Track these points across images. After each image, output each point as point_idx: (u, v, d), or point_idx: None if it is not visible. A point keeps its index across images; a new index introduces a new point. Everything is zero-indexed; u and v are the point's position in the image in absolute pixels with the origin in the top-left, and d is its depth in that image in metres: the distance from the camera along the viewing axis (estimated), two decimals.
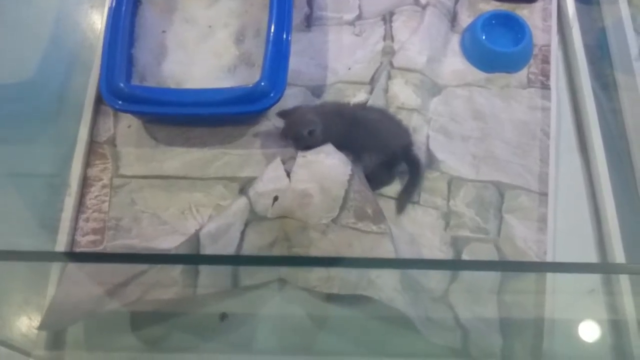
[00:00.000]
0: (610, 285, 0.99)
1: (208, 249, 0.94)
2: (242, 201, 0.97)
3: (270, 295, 0.97)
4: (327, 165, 0.98)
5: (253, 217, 0.96)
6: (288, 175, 0.97)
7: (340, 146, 1.01)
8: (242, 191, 1.01)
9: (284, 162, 1.01)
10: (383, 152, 1.03)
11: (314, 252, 0.94)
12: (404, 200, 1.04)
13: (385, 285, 0.90)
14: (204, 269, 0.93)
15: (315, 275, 0.94)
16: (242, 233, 0.95)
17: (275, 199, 0.96)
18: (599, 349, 0.94)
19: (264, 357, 0.95)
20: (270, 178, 0.98)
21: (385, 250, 0.93)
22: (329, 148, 1.00)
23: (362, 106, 1.10)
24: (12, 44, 1.20)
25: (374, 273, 0.91)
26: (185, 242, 0.94)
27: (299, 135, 1.00)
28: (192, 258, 0.97)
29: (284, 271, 0.97)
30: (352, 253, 0.93)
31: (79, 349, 0.96)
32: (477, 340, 0.92)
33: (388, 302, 0.89)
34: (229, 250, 0.94)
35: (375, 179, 1.04)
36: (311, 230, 0.94)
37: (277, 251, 0.96)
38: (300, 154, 0.99)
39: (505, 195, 1.05)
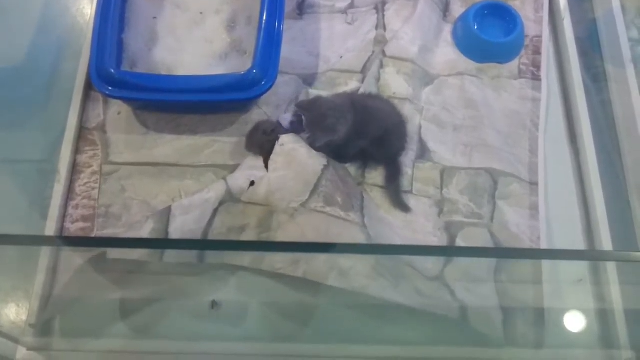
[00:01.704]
0: (598, 275, 1.00)
1: (178, 219, 0.95)
2: (220, 183, 0.99)
3: (261, 282, 0.97)
4: (304, 154, 0.99)
5: (229, 198, 0.97)
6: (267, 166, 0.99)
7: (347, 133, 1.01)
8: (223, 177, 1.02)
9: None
10: (380, 142, 1.04)
11: (281, 235, 0.94)
12: (394, 196, 1.04)
13: (359, 274, 0.91)
14: (173, 236, 0.94)
15: (280, 258, 0.93)
16: (215, 211, 0.96)
17: (252, 183, 0.97)
18: (588, 335, 0.96)
19: (255, 344, 0.95)
20: (250, 165, 1.00)
21: (354, 239, 0.94)
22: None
23: (371, 95, 1.10)
24: (0, 29, 1.18)
25: (347, 264, 0.91)
26: (158, 212, 0.97)
27: (317, 140, 0.99)
28: (177, 243, 0.99)
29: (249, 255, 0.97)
30: (318, 237, 0.94)
31: (68, 337, 0.95)
32: (477, 313, 0.93)
33: (361, 290, 0.90)
34: (200, 224, 0.95)
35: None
36: (281, 214, 0.95)
37: (246, 237, 0.96)
38: (279, 142, 0.99)
39: (499, 181, 1.06)
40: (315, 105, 0.99)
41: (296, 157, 0.98)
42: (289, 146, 0.99)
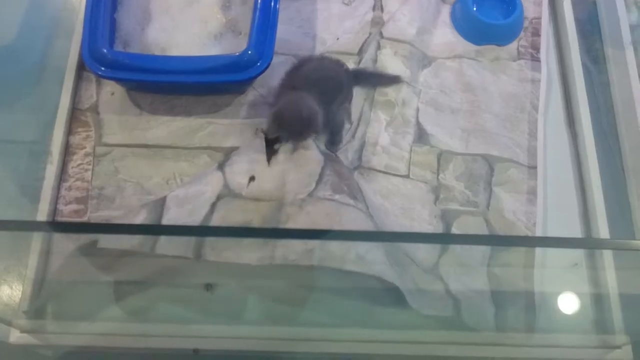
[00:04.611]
0: (594, 259, 1.00)
1: (172, 211, 0.93)
2: (216, 174, 0.97)
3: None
4: (305, 146, 0.98)
5: (227, 192, 0.95)
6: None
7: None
8: (220, 165, 1.00)
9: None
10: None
11: (291, 226, 0.93)
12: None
13: (376, 260, 0.90)
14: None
15: (293, 250, 0.92)
16: (213, 205, 0.94)
17: (252, 178, 0.96)
18: (583, 320, 0.96)
19: (249, 327, 0.94)
20: (249, 159, 0.98)
21: (365, 226, 0.93)
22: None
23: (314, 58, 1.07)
24: None
25: (362, 248, 0.90)
26: (152, 202, 0.95)
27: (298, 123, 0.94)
28: (176, 229, 0.96)
29: (258, 251, 0.94)
30: (329, 224, 0.92)
31: (61, 319, 0.95)
32: (469, 308, 0.93)
33: (381, 275, 0.89)
34: (196, 217, 0.93)
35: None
36: (288, 206, 0.93)
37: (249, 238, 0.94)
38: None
39: (495, 168, 1.05)
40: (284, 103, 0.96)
41: (298, 149, 0.98)
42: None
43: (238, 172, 0.97)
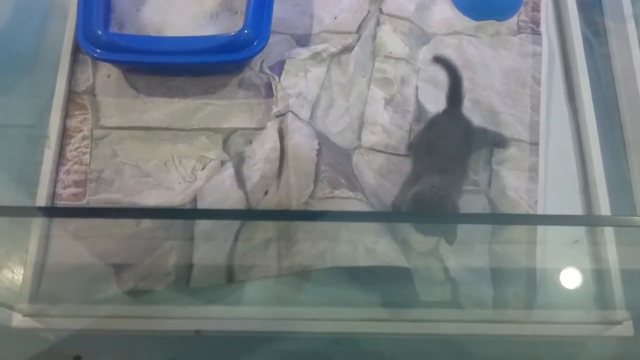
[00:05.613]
0: (595, 235, 1.00)
1: (202, 247, 0.94)
2: (238, 195, 0.97)
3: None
4: (295, 144, 0.97)
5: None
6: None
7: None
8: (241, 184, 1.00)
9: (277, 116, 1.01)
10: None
11: (301, 235, 0.93)
12: None
13: (386, 249, 0.91)
14: (198, 264, 0.93)
15: (307, 255, 0.92)
16: (238, 232, 0.95)
17: (265, 193, 0.97)
18: (583, 296, 0.96)
19: (250, 308, 0.95)
20: (265, 171, 0.98)
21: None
22: (297, 124, 1.00)
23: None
24: None
25: (370, 240, 0.90)
26: (179, 242, 0.95)
27: None
28: (179, 213, 0.99)
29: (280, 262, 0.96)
30: (336, 222, 0.93)
31: (63, 302, 0.95)
32: (467, 292, 0.94)
33: (392, 263, 0.90)
34: (224, 248, 0.94)
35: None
36: None
37: (272, 252, 0.95)
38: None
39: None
40: None
41: (290, 151, 0.97)
42: (285, 142, 0.98)
43: (255, 190, 0.98)
